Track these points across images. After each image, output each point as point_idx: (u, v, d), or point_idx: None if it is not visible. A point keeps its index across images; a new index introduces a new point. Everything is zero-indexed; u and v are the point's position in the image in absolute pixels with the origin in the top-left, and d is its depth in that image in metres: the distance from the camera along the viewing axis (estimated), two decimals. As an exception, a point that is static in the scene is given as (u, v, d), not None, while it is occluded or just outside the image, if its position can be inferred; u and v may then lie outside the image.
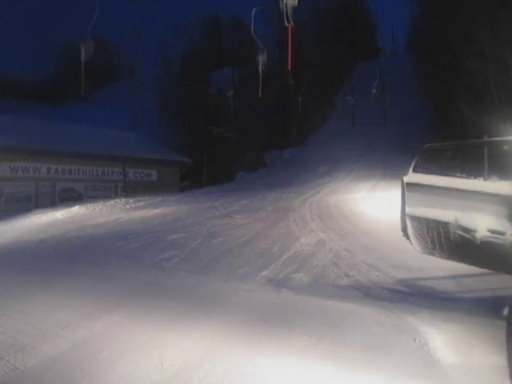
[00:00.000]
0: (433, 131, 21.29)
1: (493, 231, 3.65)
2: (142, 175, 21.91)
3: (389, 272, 5.94)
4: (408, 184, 4.74)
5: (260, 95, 14.38)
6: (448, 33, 16.56)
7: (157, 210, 12.82)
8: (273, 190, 16.34)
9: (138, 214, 12.38)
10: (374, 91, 29.33)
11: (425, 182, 4.48)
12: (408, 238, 4.78)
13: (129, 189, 20.24)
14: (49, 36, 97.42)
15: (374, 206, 11.27)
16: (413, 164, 4.80)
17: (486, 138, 4.32)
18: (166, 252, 7.67)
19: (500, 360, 2.94)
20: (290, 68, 10.87)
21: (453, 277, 5.36)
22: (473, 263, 4.29)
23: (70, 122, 24.74)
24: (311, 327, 4.21)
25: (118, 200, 16.10)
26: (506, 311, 2.86)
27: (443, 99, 19.40)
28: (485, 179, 3.76)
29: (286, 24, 9.05)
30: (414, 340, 3.81)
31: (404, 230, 4.81)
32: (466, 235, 3.88)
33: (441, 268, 5.46)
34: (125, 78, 43.53)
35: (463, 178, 3.99)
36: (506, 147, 3.74)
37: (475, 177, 3.87)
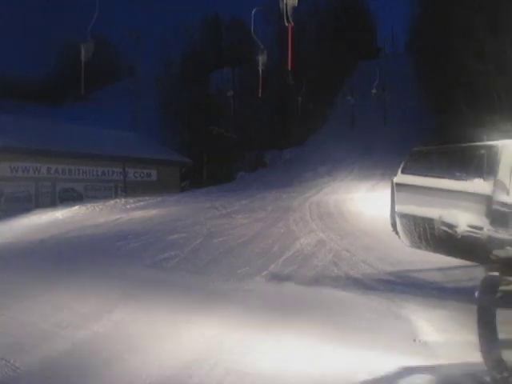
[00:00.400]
0: (433, 131, 21.25)
1: (472, 226, 4.00)
2: (142, 175, 21.89)
3: (386, 269, 6.21)
4: (397, 184, 5.12)
5: (260, 95, 14.34)
6: (448, 33, 16.54)
7: (157, 210, 12.82)
8: (273, 189, 16.34)
9: (138, 214, 12.38)
10: (374, 91, 29.23)
11: (412, 183, 4.86)
12: (397, 233, 5.14)
13: (129, 189, 20.21)
14: (49, 36, 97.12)
15: (373, 206, 11.25)
16: (401, 166, 5.17)
17: (483, 142, 4.69)
18: (166, 252, 7.67)
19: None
20: (290, 68, 10.87)
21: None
22: (455, 255, 4.66)
23: (70, 122, 24.64)
24: (310, 324, 4.24)
25: (117, 200, 16.10)
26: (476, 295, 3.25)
27: (443, 99, 19.37)
28: (466, 180, 4.13)
29: (286, 24, 9.04)
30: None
31: (393, 225, 5.17)
32: (449, 230, 4.24)
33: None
34: (125, 78, 43.42)
35: (446, 178, 4.35)
36: (483, 151, 4.08)
37: (457, 178, 4.23)
